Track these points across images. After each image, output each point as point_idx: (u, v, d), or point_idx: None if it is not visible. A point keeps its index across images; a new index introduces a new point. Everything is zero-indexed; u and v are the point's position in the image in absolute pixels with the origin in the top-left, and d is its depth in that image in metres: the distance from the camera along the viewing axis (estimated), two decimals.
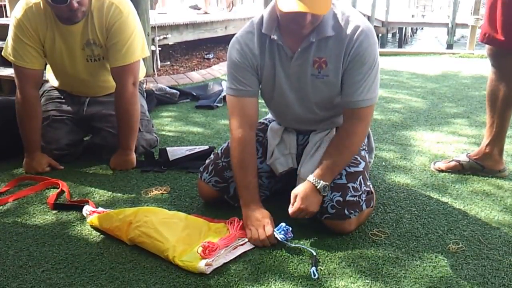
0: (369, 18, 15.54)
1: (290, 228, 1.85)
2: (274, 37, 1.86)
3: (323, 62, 1.86)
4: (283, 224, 1.86)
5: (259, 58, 1.94)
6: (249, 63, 1.94)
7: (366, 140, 2.17)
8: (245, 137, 1.98)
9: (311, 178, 1.87)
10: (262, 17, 1.91)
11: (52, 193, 2.32)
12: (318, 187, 1.85)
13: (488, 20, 2.29)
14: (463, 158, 2.57)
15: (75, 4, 2.32)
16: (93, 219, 2.00)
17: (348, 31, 1.82)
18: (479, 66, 5.89)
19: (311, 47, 1.85)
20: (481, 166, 2.51)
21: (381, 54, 6.86)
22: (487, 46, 2.37)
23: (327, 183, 1.86)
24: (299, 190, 1.87)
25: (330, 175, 1.88)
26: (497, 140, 2.47)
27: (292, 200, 1.88)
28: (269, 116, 2.30)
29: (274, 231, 1.84)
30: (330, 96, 1.94)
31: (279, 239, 1.82)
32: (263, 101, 2.13)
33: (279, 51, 1.91)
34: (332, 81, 1.89)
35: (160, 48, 5.71)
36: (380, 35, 17.24)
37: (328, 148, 1.95)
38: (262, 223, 1.87)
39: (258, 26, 1.92)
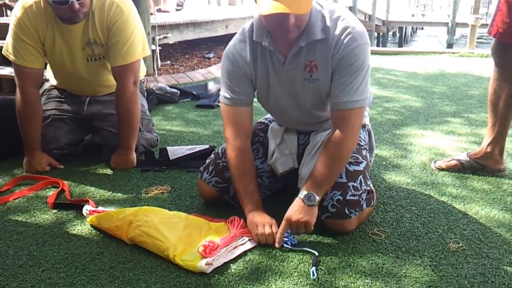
0: (369, 17, 15.55)
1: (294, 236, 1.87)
2: (265, 43, 1.84)
3: (314, 66, 1.84)
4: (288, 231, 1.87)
5: (252, 66, 1.93)
6: (242, 72, 1.94)
7: (367, 139, 2.17)
8: (243, 146, 1.99)
9: (302, 195, 1.82)
10: (252, 25, 1.90)
11: (52, 193, 2.32)
12: (309, 204, 1.80)
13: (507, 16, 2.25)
14: (464, 157, 2.57)
15: (77, 6, 2.31)
16: (93, 218, 2.00)
17: (336, 33, 1.78)
18: (479, 65, 5.90)
19: (301, 51, 1.83)
20: (482, 166, 2.51)
21: (381, 53, 6.93)
22: (492, 44, 2.35)
23: (319, 198, 1.81)
24: (290, 213, 1.81)
25: (322, 190, 1.83)
26: (498, 139, 2.46)
27: (283, 224, 1.81)
28: (270, 115, 2.29)
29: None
30: (323, 100, 1.93)
31: (283, 244, 1.83)
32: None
33: (271, 57, 1.90)
34: (323, 85, 1.87)
35: (160, 47, 5.70)
36: (380, 34, 17.25)
37: (317, 161, 1.87)
38: (269, 222, 1.87)
39: (249, 34, 1.91)
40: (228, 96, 1.97)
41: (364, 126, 2.17)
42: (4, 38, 2.62)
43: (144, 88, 3.14)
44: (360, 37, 1.79)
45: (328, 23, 1.80)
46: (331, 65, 1.82)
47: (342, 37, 1.77)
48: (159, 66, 5.63)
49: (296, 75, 1.89)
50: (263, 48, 1.89)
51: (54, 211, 2.16)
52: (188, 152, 2.74)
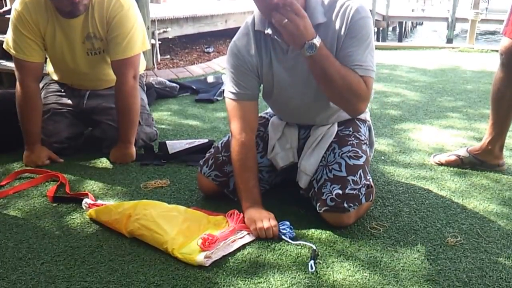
0: (370, 12, 15.53)
1: (292, 228, 1.87)
2: (268, 31, 1.84)
3: None
4: (286, 222, 1.88)
5: (258, 58, 1.93)
6: (248, 66, 1.94)
7: (367, 134, 2.17)
8: (248, 141, 1.99)
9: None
10: (253, 16, 1.91)
11: (52, 186, 2.32)
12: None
13: None
14: (463, 152, 2.57)
15: None
16: (92, 212, 2.00)
17: (336, 11, 1.79)
18: (478, 60, 5.89)
19: None
20: (481, 161, 2.51)
21: (381, 48, 6.93)
22: (502, 44, 2.31)
23: (316, 44, 1.66)
24: None
25: (322, 54, 1.70)
26: (499, 137, 2.46)
27: None
28: (270, 110, 2.29)
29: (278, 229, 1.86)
30: None
31: (282, 237, 1.83)
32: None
33: (274, 46, 1.90)
34: None
35: (160, 42, 5.70)
36: (380, 29, 17.23)
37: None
38: (266, 216, 1.88)
39: (251, 26, 1.91)
40: (233, 90, 1.97)
41: (364, 121, 2.18)
42: (4, 32, 2.62)
43: (144, 82, 3.14)
44: (362, 10, 1.81)
45: (327, 6, 1.81)
46: (336, 45, 1.80)
47: (346, 13, 1.78)
48: (159, 60, 5.63)
49: (300, 62, 1.88)
50: (266, 38, 1.89)
51: (54, 204, 2.17)
52: (187, 146, 2.74)
